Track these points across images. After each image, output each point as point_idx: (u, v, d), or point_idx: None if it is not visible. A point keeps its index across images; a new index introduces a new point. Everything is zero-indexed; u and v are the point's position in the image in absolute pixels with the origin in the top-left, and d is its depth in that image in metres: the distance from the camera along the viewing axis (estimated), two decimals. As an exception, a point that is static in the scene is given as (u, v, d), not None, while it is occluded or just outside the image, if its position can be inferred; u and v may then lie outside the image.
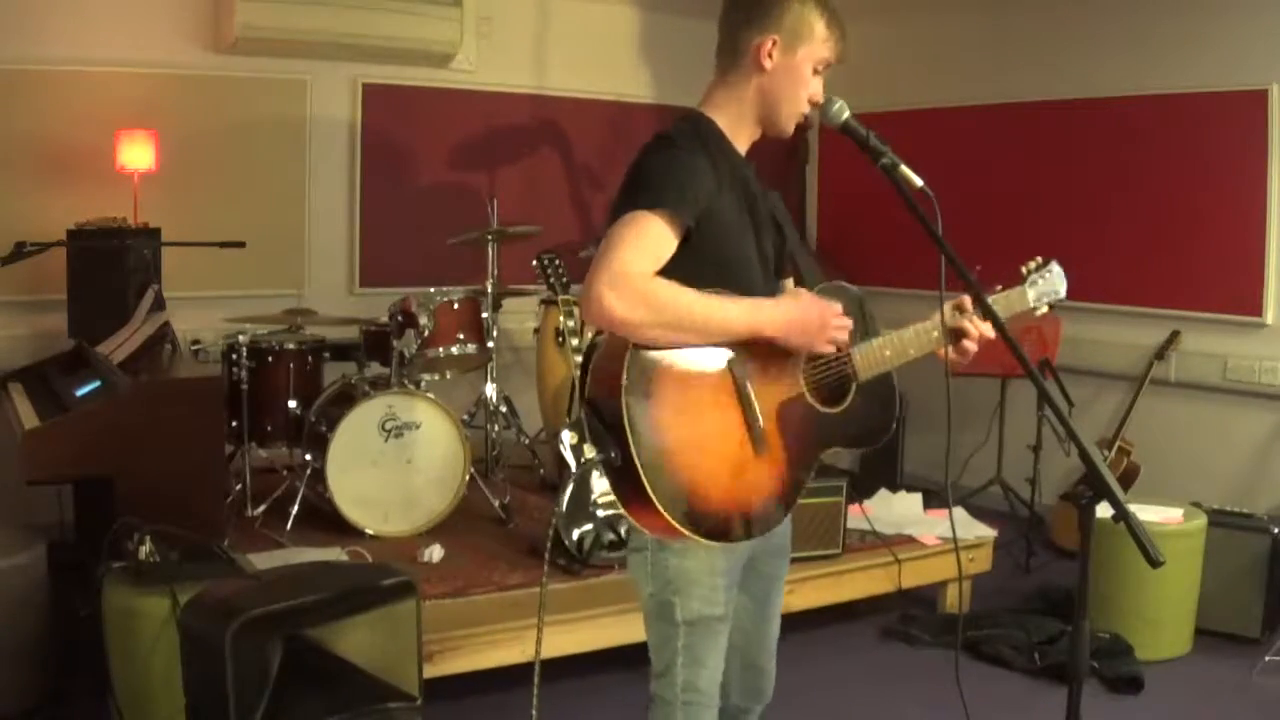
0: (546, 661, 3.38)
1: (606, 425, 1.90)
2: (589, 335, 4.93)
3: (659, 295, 1.88)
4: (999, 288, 2.29)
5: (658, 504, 1.87)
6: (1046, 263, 2.35)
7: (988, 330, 2.14)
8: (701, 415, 1.95)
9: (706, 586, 2.09)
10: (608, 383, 1.91)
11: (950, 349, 2.19)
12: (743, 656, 2.25)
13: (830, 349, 2.06)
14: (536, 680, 2.09)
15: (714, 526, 1.94)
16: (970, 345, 2.18)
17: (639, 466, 1.86)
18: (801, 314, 2.01)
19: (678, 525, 1.89)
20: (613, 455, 1.88)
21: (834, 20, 2.10)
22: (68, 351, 4.29)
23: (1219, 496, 4.54)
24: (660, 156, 2.00)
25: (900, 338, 2.17)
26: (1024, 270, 2.34)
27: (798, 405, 2.06)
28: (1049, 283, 2.35)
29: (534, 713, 2.11)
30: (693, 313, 1.91)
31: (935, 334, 2.16)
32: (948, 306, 2.17)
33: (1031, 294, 2.33)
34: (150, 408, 3.30)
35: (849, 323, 2.07)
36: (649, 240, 1.92)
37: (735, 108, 2.12)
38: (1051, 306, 2.39)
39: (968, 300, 2.17)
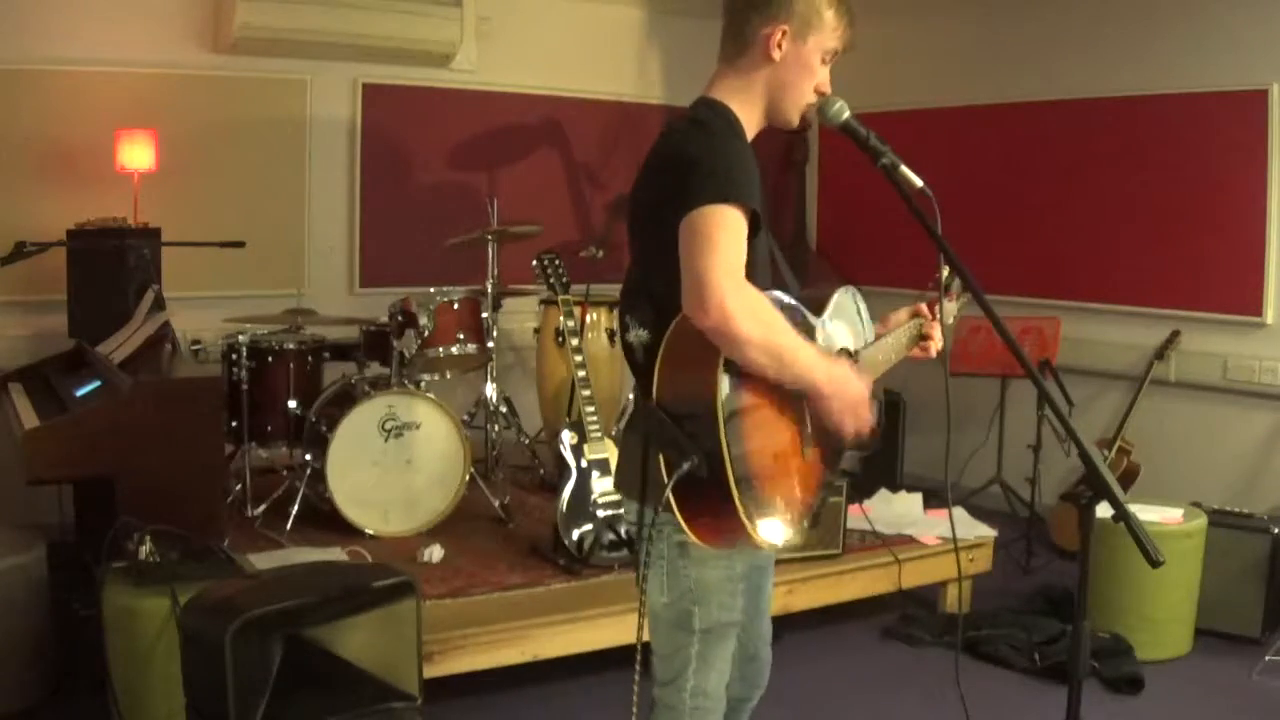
0: (543, 662, 3.41)
1: (689, 432, 1.83)
2: (589, 335, 4.95)
3: (773, 318, 1.83)
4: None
5: (741, 514, 1.81)
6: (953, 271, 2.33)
7: (940, 339, 2.28)
8: (772, 424, 1.91)
9: (726, 593, 2.08)
10: (695, 388, 1.84)
11: (918, 349, 2.30)
12: (743, 649, 2.25)
13: (849, 432, 2.00)
14: (637, 664, 2.04)
15: (779, 532, 1.91)
16: (933, 349, 2.29)
17: (730, 475, 1.80)
18: (848, 389, 1.96)
19: (754, 534, 1.84)
20: (697, 463, 1.82)
21: (843, 7, 2.07)
22: (68, 351, 4.29)
23: (1219, 496, 4.54)
24: (709, 144, 1.93)
25: (885, 345, 2.20)
26: (942, 278, 2.33)
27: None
28: (959, 291, 2.40)
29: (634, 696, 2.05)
30: (789, 348, 1.85)
31: (904, 339, 2.27)
32: (904, 313, 2.29)
33: (955, 303, 2.42)
34: (150, 408, 3.29)
35: (872, 420, 2.03)
36: (739, 238, 1.85)
37: (744, 97, 2.08)
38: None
39: (925, 308, 2.29)
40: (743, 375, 1.86)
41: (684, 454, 1.83)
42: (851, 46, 2.11)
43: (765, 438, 1.89)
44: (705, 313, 1.79)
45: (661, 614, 2.13)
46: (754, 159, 2.01)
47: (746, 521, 1.83)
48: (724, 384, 1.82)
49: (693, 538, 1.93)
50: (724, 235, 1.83)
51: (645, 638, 2.05)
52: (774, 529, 1.89)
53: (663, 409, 1.88)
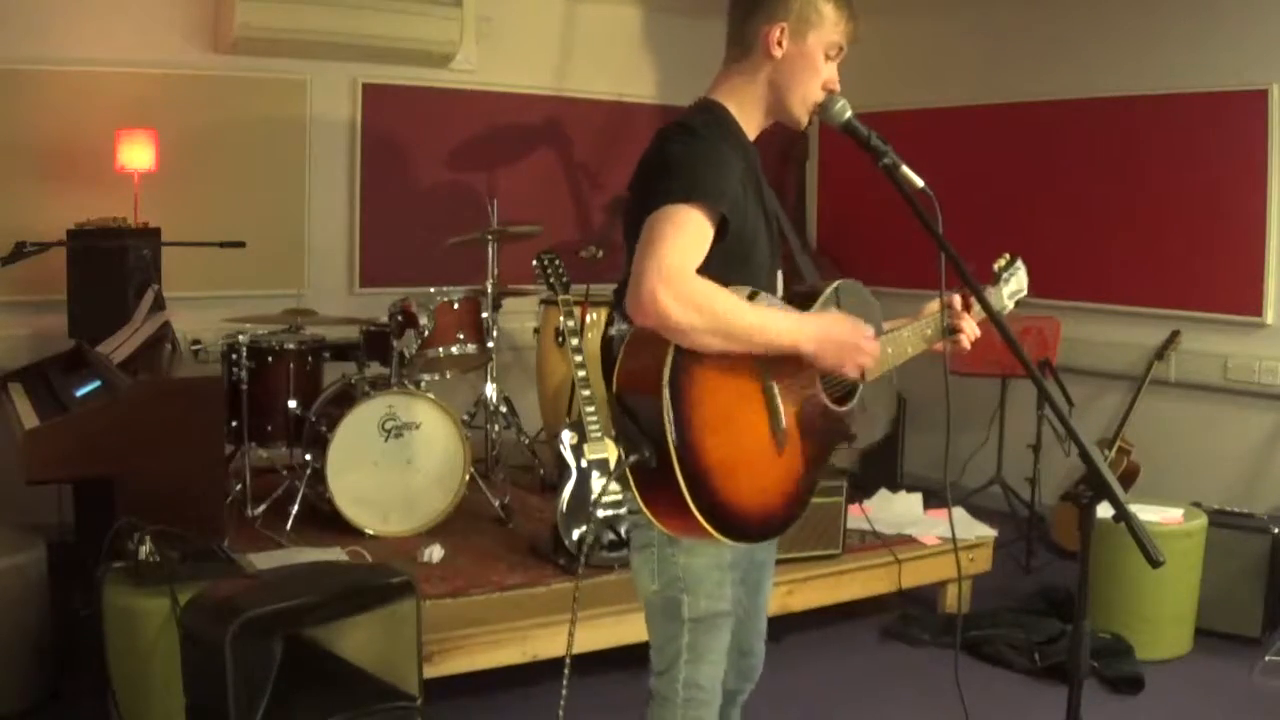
0: (543, 662, 3.41)
1: (640, 425, 1.85)
2: (589, 334, 4.95)
3: (712, 300, 1.82)
4: (987, 287, 2.32)
5: (692, 507, 1.82)
6: (1014, 260, 2.38)
7: (975, 330, 2.21)
8: (732, 416, 1.90)
9: (714, 583, 2.09)
10: (644, 382, 1.85)
11: (948, 342, 2.23)
12: (738, 643, 2.25)
13: (855, 374, 2.01)
14: (566, 675, 2.05)
15: (740, 527, 1.91)
16: (965, 341, 2.22)
17: (677, 469, 1.81)
18: (839, 333, 1.97)
19: (707, 527, 1.85)
20: (647, 455, 1.83)
21: (843, 3, 2.08)
22: (68, 351, 4.29)
23: (1219, 496, 4.54)
24: (687, 146, 1.95)
25: (900, 336, 2.18)
26: (995, 268, 2.35)
27: (814, 405, 2.04)
28: (1018, 280, 2.40)
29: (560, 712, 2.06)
30: (743, 322, 1.85)
31: (929, 331, 2.21)
32: (935, 304, 2.23)
33: (1005, 292, 2.39)
34: (150, 408, 3.29)
35: (876, 348, 2.03)
36: (692, 235, 1.86)
37: (745, 96, 2.10)
38: (1017, 304, 2.43)
39: (958, 299, 2.22)
40: (700, 372, 1.86)
41: (635, 446, 1.84)
42: (856, 40, 2.11)
43: (725, 434, 1.88)
44: (640, 309, 1.81)
45: (652, 601, 2.14)
46: (743, 158, 2.02)
47: (700, 516, 1.83)
48: (671, 380, 1.82)
49: (662, 529, 1.95)
50: (674, 234, 1.84)
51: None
52: (736, 527, 1.89)
53: (619, 401, 1.91)
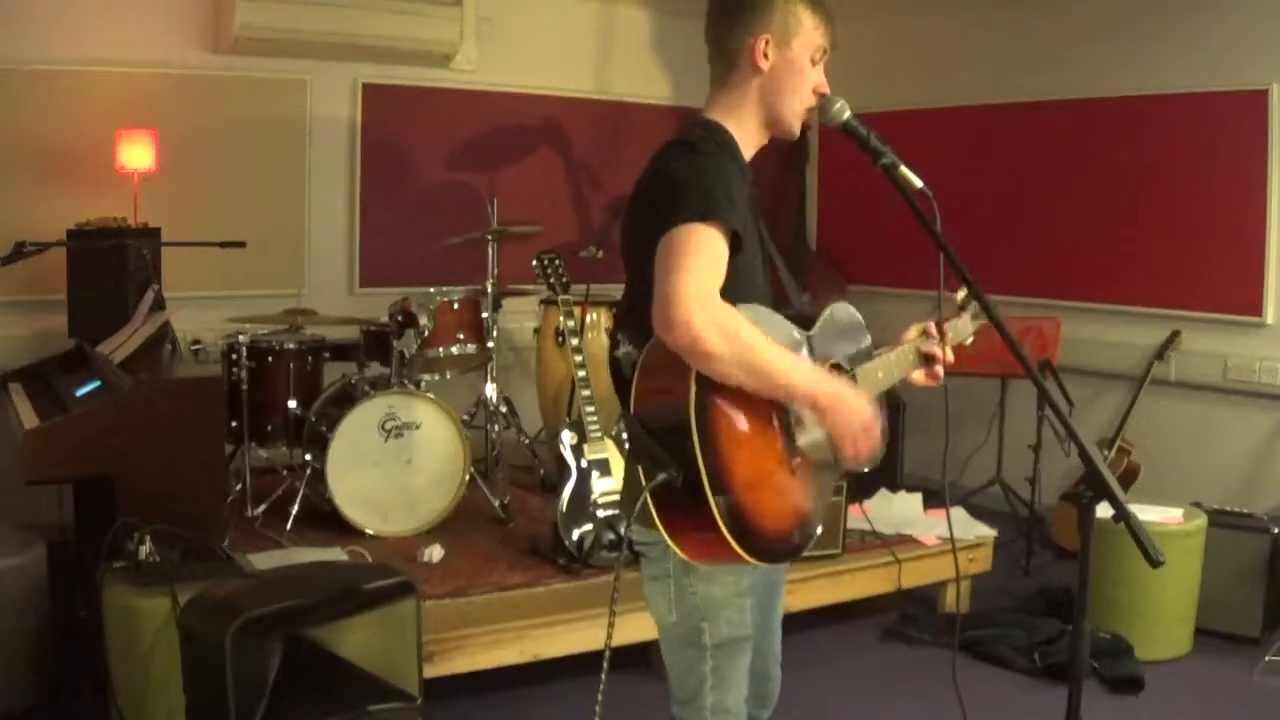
0: (543, 662, 3.41)
1: (664, 445, 1.82)
2: (589, 334, 4.95)
3: (744, 335, 1.80)
4: (952, 319, 2.30)
5: (723, 527, 1.79)
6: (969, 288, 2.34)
7: (949, 356, 2.21)
8: (755, 433, 1.88)
9: (734, 609, 2.07)
10: (667, 401, 1.83)
11: (922, 374, 2.22)
12: (754, 668, 2.23)
13: (850, 455, 1.96)
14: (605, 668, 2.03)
15: (767, 546, 1.89)
16: (940, 371, 2.21)
17: (707, 487, 1.78)
18: (851, 409, 1.92)
19: (737, 547, 1.82)
20: (674, 475, 1.80)
21: (819, 6, 2.07)
22: (68, 351, 4.29)
23: (1219, 496, 4.54)
24: (693, 164, 1.93)
25: (888, 360, 2.17)
26: (958, 299, 2.30)
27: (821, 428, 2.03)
28: (977, 311, 2.36)
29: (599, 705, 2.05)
30: (767, 361, 1.82)
31: (913, 356, 2.21)
32: (914, 330, 2.23)
33: (973, 323, 2.36)
34: (150, 408, 3.29)
35: (879, 444, 1.99)
36: (714, 256, 1.84)
37: (740, 113, 2.08)
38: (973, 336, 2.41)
39: (933, 326, 2.21)
40: (719, 388, 1.83)
41: (661, 467, 1.82)
42: (836, 43, 2.10)
43: (746, 451, 1.86)
44: (670, 330, 1.79)
45: (671, 633, 2.12)
46: (743, 177, 2.02)
47: (729, 536, 1.81)
48: (697, 397, 1.80)
49: (681, 554, 1.91)
50: (696, 254, 1.82)
51: (614, 643, 2.03)
52: (760, 545, 1.87)
53: (640, 422, 1.89)
